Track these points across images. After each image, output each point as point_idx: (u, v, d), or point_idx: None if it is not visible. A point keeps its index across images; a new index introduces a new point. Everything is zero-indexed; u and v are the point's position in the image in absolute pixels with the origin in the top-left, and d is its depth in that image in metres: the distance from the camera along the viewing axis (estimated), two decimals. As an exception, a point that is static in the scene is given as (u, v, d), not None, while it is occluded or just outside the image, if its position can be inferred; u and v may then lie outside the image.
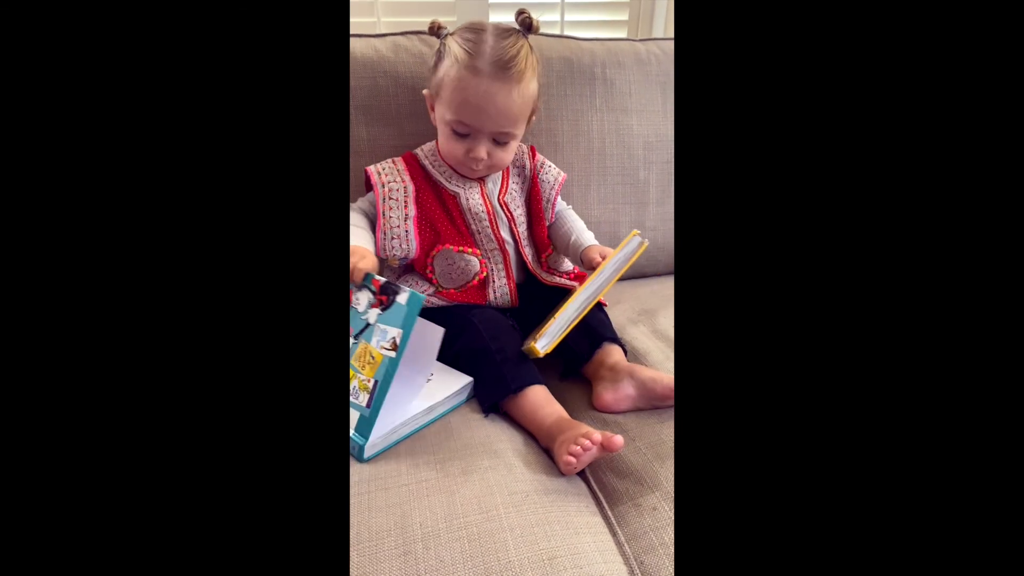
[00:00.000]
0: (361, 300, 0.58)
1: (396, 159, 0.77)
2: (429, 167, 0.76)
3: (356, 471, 0.54)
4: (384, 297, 0.57)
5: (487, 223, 0.76)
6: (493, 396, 0.64)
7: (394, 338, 0.54)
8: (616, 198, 0.93)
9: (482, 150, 0.70)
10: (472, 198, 0.75)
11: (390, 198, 0.73)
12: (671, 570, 0.47)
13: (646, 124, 0.93)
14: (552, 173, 0.82)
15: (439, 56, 0.71)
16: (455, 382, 0.65)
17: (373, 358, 0.55)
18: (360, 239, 0.70)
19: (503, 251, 0.77)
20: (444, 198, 0.75)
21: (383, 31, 0.86)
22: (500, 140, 0.71)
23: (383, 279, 0.57)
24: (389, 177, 0.74)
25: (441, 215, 0.75)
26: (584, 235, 0.81)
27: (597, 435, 0.54)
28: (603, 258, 0.71)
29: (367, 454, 0.55)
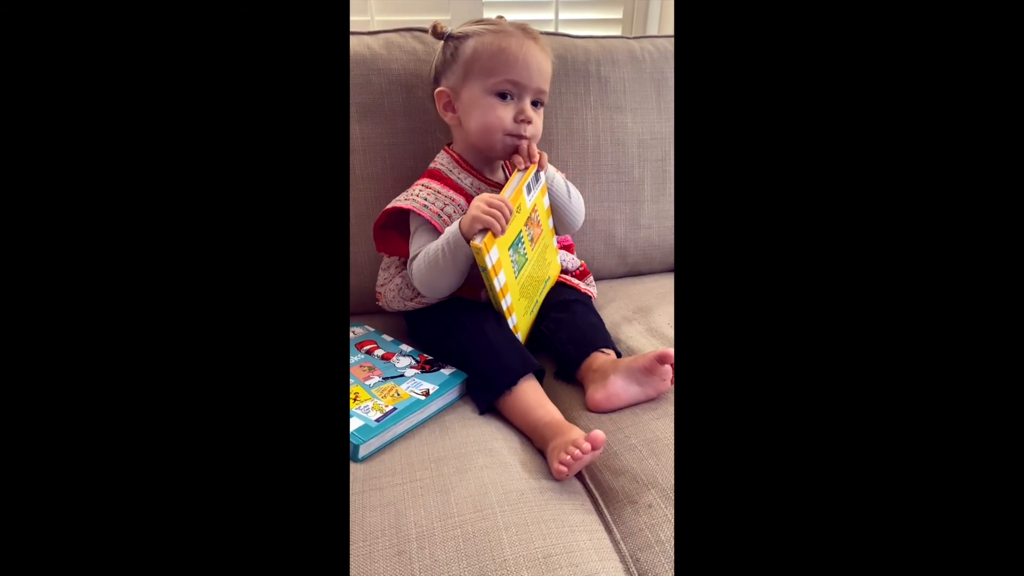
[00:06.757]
0: (401, 361, 0.69)
1: (428, 181, 0.73)
2: (459, 180, 0.74)
3: (350, 470, 0.53)
4: (428, 366, 0.68)
5: None
6: (487, 395, 0.64)
7: (427, 389, 0.63)
8: (611, 196, 0.93)
9: (531, 110, 0.70)
10: None
11: (450, 221, 0.69)
12: (667, 567, 0.47)
13: (640, 122, 0.93)
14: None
15: (453, 50, 0.70)
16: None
17: (399, 395, 0.62)
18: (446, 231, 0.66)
19: None
20: None
21: (376, 29, 0.86)
22: (538, 102, 0.72)
23: (429, 357, 0.69)
24: (438, 203, 0.71)
25: None
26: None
27: (586, 443, 0.53)
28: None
29: (362, 454, 0.55)
